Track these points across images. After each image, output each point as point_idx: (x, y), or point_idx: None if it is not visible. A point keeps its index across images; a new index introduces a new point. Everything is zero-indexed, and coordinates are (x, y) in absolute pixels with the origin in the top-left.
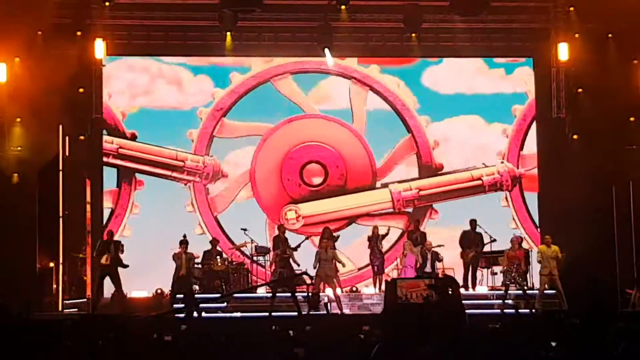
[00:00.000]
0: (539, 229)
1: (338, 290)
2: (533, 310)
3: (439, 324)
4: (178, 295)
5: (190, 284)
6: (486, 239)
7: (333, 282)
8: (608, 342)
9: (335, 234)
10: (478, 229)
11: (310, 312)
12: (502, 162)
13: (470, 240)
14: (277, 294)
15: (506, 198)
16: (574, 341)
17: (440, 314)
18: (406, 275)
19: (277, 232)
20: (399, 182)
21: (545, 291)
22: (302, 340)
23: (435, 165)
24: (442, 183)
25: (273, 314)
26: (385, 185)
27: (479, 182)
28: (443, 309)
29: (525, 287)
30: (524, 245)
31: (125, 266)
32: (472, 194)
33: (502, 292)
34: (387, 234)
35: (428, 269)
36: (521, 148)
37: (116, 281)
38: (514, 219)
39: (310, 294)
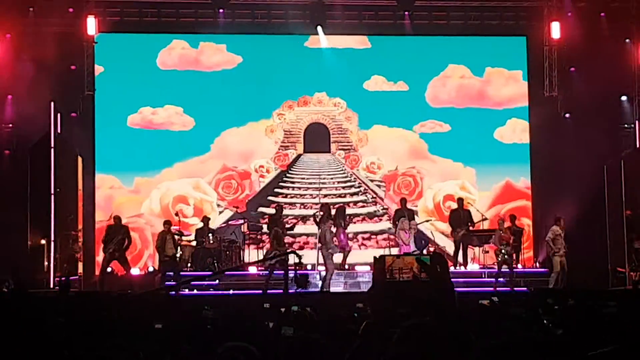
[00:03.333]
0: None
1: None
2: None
3: (427, 301)
4: (168, 273)
5: (176, 262)
6: (477, 217)
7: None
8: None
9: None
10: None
11: (299, 291)
12: None
13: (460, 218)
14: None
15: None
16: (567, 320)
17: (428, 290)
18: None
19: (274, 212)
20: None
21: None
22: (292, 319)
23: None
24: None
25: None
26: None
27: None
28: (431, 286)
29: (514, 267)
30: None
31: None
32: None
33: (495, 271)
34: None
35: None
36: None
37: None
38: None
39: (297, 273)
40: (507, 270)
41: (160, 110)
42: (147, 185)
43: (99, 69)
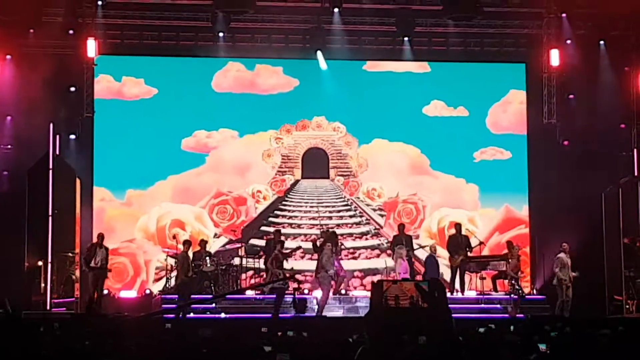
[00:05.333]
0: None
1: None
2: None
3: (425, 328)
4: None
5: (199, 284)
6: (474, 242)
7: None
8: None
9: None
10: (464, 232)
11: (297, 315)
12: None
13: (458, 244)
14: (267, 297)
15: None
16: (563, 347)
17: (426, 317)
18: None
19: (272, 235)
20: None
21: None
22: (289, 344)
23: None
24: None
25: (261, 315)
26: None
27: None
28: (429, 313)
29: (523, 294)
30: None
31: (107, 271)
32: None
33: (516, 297)
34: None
35: (433, 273)
36: None
37: (101, 283)
38: None
39: (296, 297)
40: (515, 297)
41: (215, 134)
42: (140, 199)
43: (152, 91)
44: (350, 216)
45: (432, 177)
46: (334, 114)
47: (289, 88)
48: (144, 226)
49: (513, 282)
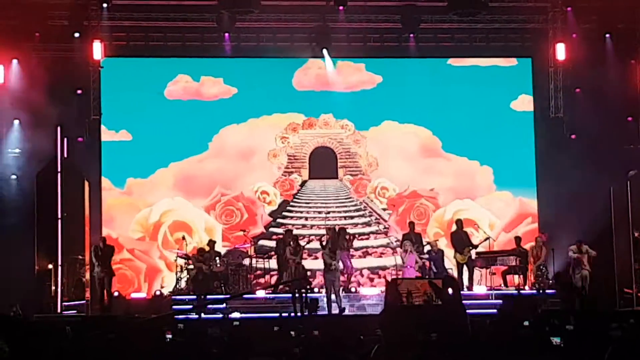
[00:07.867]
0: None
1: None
2: None
3: (440, 325)
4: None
5: (207, 284)
6: (480, 238)
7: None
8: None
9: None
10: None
11: (311, 314)
12: None
13: (461, 240)
14: (280, 295)
15: None
16: (574, 340)
17: (441, 314)
18: (407, 275)
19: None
20: None
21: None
22: (303, 341)
23: None
24: None
25: (273, 314)
26: None
27: None
28: (444, 310)
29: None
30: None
31: (112, 274)
32: None
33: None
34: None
35: (435, 269)
36: None
37: (107, 285)
38: None
39: (308, 297)
40: (535, 292)
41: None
42: (140, 187)
43: (232, 90)
44: (363, 223)
45: (445, 160)
46: (420, 111)
47: (371, 85)
48: (143, 219)
49: (543, 270)
